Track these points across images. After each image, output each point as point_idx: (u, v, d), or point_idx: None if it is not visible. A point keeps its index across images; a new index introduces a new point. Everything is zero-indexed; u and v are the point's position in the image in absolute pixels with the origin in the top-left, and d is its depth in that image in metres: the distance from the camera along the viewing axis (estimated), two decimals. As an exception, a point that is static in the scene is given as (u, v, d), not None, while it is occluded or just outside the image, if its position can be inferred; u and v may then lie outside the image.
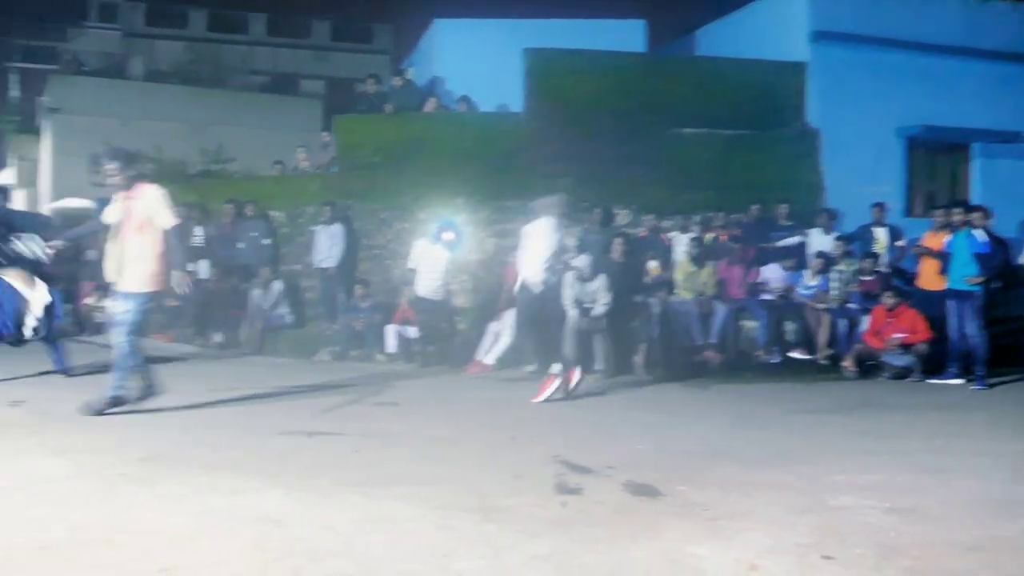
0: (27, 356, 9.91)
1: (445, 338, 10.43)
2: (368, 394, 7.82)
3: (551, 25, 14.40)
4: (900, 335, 9.13)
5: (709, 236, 10.66)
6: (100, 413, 6.05)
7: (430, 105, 13.28)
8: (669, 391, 8.49)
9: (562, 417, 6.91)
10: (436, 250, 10.56)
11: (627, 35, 14.31)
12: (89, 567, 3.21)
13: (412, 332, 10.41)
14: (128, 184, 6.18)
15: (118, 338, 6.07)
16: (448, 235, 10.52)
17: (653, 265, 10.19)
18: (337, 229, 11.41)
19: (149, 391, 6.29)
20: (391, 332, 10.50)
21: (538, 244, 7.58)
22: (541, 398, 7.38)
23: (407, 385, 8.44)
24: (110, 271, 6.17)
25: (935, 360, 9.10)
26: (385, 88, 14.19)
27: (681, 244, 10.59)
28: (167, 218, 6.06)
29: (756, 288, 10.20)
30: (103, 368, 7.87)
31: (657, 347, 9.62)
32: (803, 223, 10.99)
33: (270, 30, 36.14)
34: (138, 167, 6.54)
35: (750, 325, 9.99)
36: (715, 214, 10.97)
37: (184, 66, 29.05)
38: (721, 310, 9.76)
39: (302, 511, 3.98)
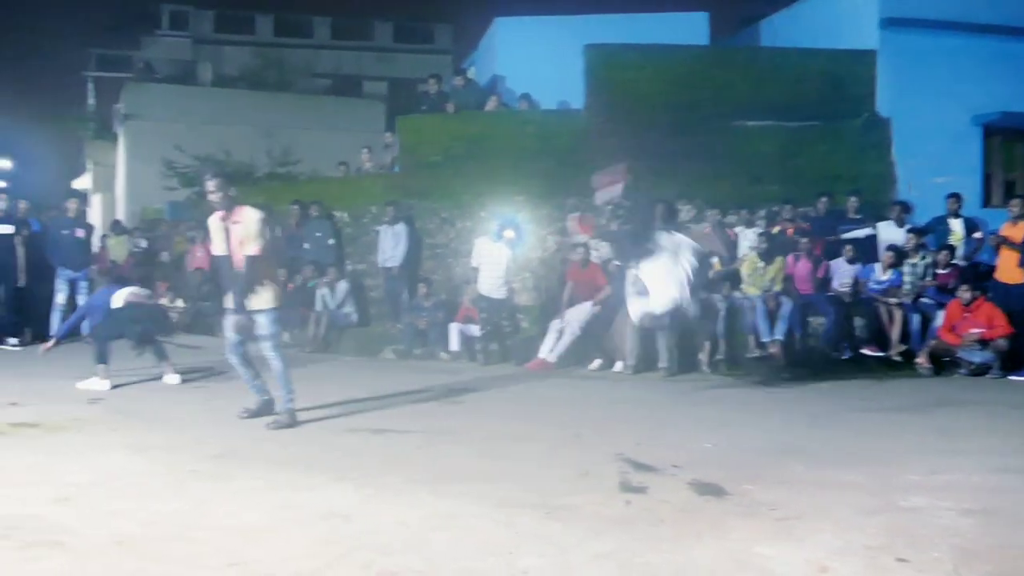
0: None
1: (507, 336, 10.45)
2: (431, 392, 7.89)
3: (611, 20, 14.31)
4: (977, 330, 8.82)
5: (776, 230, 10.45)
6: (290, 426, 6.03)
7: (491, 104, 13.32)
8: (734, 389, 8.36)
9: (626, 415, 6.87)
10: (498, 248, 10.59)
11: (689, 28, 14.13)
12: (162, 560, 3.31)
13: (475, 330, 10.47)
14: (227, 205, 6.12)
15: (269, 354, 6.13)
16: (509, 233, 10.53)
17: (716, 261, 10.04)
18: (400, 228, 11.54)
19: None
20: (454, 330, 10.57)
21: (667, 266, 7.62)
22: None
23: (470, 383, 8.49)
24: (228, 297, 6.16)
25: (1014, 356, 8.76)
26: (446, 88, 14.29)
27: (747, 239, 10.41)
28: (254, 246, 6.03)
29: (824, 283, 9.95)
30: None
31: (722, 344, 9.50)
32: (873, 215, 10.69)
33: (334, 33, 36.71)
34: (234, 188, 6.43)
35: (818, 321, 9.76)
36: (782, 208, 10.75)
37: (251, 71, 29.71)
38: (788, 306, 9.57)
39: (370, 507, 4.04)
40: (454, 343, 10.49)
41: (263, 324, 6.10)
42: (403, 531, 3.69)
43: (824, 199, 10.70)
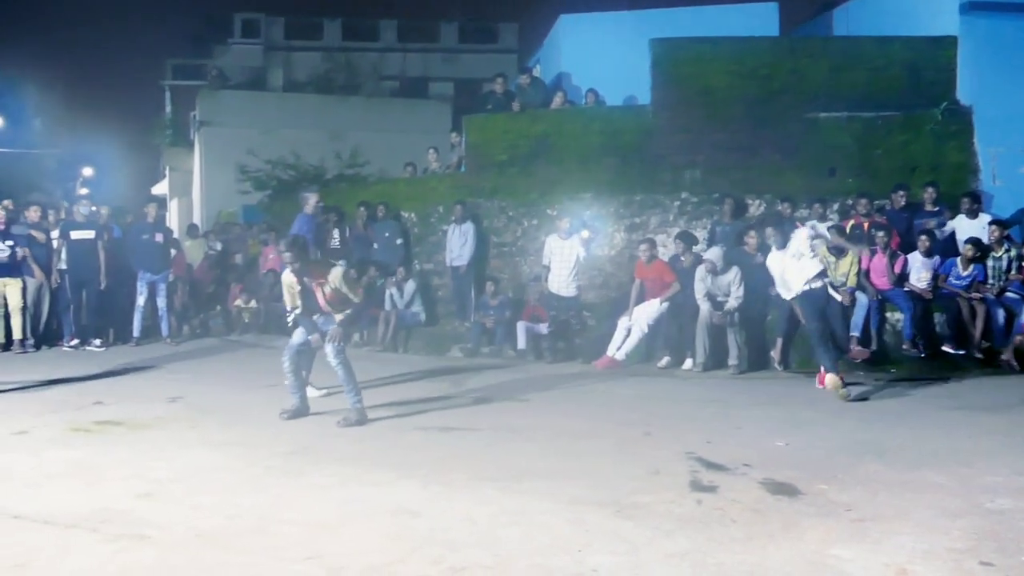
0: (180, 355, 10.63)
1: (575, 334, 10.42)
2: (499, 390, 7.92)
3: (677, 14, 14.13)
4: (1067, 326, 8.44)
5: (851, 224, 10.18)
6: (359, 423, 6.26)
7: (557, 101, 13.29)
8: (807, 387, 8.16)
9: (696, 413, 6.78)
10: (568, 246, 10.55)
11: (758, 19, 13.84)
12: (243, 552, 3.41)
13: (542, 328, 10.47)
14: (308, 271, 6.50)
15: (332, 361, 6.41)
16: (585, 233, 10.47)
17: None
18: (468, 228, 11.60)
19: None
20: (521, 328, 10.58)
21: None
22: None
23: (537, 381, 8.50)
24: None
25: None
26: (512, 87, 14.32)
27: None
28: (357, 296, 6.56)
29: (902, 278, 9.65)
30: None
31: (794, 341, 9.30)
32: (952, 207, 10.32)
33: (400, 35, 37.13)
34: (307, 254, 6.80)
35: (895, 317, 9.47)
36: (856, 200, 10.46)
37: (320, 75, 30.25)
38: (864, 301, 9.31)
39: (438, 503, 4.08)
40: (521, 341, 10.51)
41: (333, 331, 6.45)
42: (471, 527, 3.72)
43: (901, 192, 10.37)
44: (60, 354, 10.45)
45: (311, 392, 7.83)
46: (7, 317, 10.65)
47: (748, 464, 4.85)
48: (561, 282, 10.28)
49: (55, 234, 11.06)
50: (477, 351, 10.72)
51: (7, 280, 10.57)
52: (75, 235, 10.96)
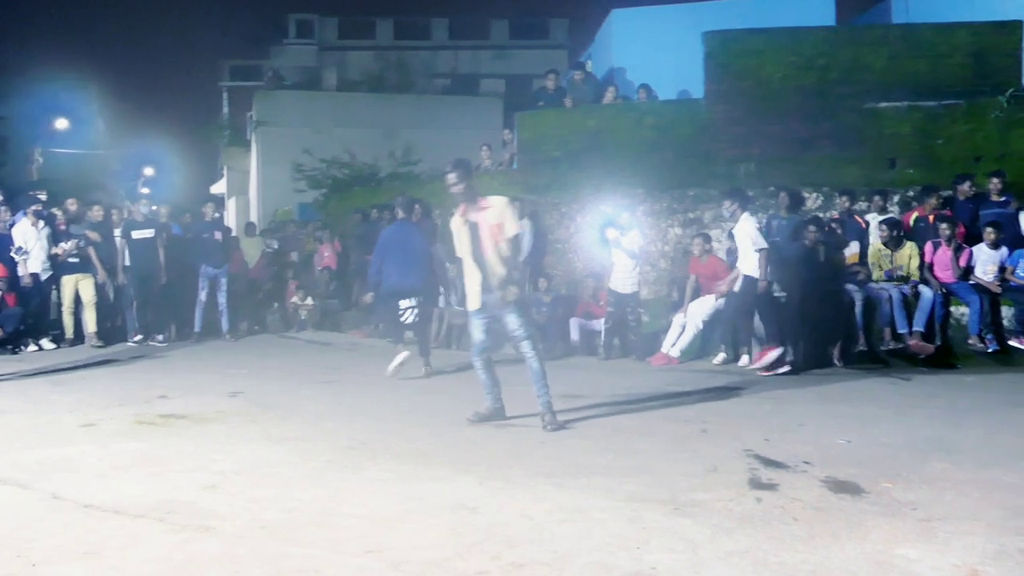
0: (239, 350, 10.84)
1: (630, 331, 10.34)
2: (552, 386, 7.87)
3: (730, 6, 13.96)
4: None
5: (914, 216, 9.93)
6: (490, 419, 6.01)
7: (609, 96, 13.23)
8: (869, 383, 8.00)
9: (753, 410, 6.69)
10: (623, 242, 10.38)
11: (813, 8, 13.62)
12: (305, 545, 3.46)
13: (595, 324, 10.42)
14: (470, 196, 5.83)
15: (526, 352, 5.86)
16: (612, 232, 10.05)
17: (852, 253, 9.62)
18: (525, 223, 11.60)
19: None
20: (574, 324, 10.56)
21: None
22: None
23: (591, 377, 8.47)
24: (473, 293, 5.90)
25: None
26: (564, 82, 14.28)
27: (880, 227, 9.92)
28: (512, 227, 5.80)
29: (967, 271, 9.38)
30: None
31: (855, 336, 9.11)
32: (1020, 197, 9.98)
33: (451, 33, 37.31)
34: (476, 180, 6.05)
35: (961, 311, 9.21)
36: (918, 191, 10.20)
37: (372, 74, 30.56)
38: (927, 295, 9.08)
39: (495, 499, 4.09)
40: (574, 337, 10.48)
41: (513, 322, 5.81)
42: (529, 524, 3.72)
43: (967, 182, 10.07)
44: (125, 349, 10.75)
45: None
46: (78, 313, 11.03)
47: (808, 462, 4.77)
48: (621, 279, 10.02)
49: (117, 233, 11.39)
50: (530, 347, 10.71)
51: (79, 276, 10.96)
52: (135, 234, 11.28)
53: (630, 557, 3.30)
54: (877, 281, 9.33)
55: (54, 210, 11.75)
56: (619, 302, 10.01)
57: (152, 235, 11.38)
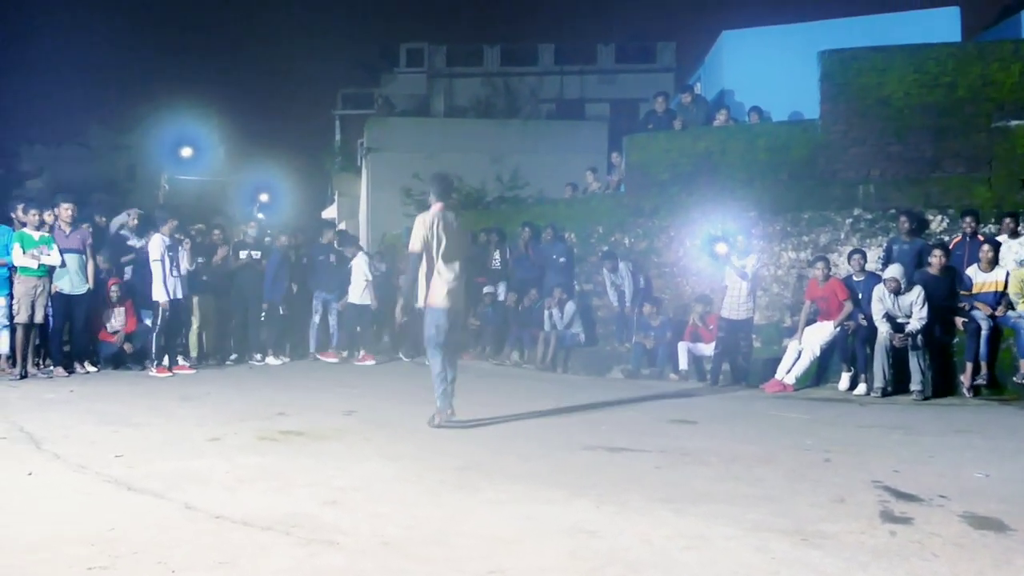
0: (352, 370, 11.09)
1: (740, 356, 10.09)
2: (664, 411, 7.77)
3: (846, 24, 13.57)
4: None
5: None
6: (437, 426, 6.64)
7: (721, 118, 13.04)
8: (1002, 414, 7.54)
9: (878, 440, 6.39)
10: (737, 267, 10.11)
11: (936, 25, 13.09)
12: (425, 562, 3.48)
13: (704, 349, 10.21)
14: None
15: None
16: (721, 247, 9.80)
17: (996, 280, 9.07)
18: (623, 269, 11.52)
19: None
20: (683, 349, 10.38)
21: None
22: None
23: (703, 403, 8.29)
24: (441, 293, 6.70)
25: None
26: (673, 105, 14.16)
27: (1012, 251, 9.39)
28: (411, 243, 6.70)
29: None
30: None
31: (985, 365, 8.62)
32: None
33: (558, 59, 37.53)
34: (440, 192, 6.83)
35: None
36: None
37: (480, 100, 31.05)
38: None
39: (614, 524, 4.03)
40: (683, 362, 10.31)
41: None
42: (650, 549, 3.64)
43: (1110, 202, 9.43)
44: (246, 368, 11.18)
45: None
46: (200, 331, 11.54)
47: (944, 495, 4.51)
48: (732, 305, 9.73)
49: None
50: (638, 372, 10.61)
51: (199, 296, 11.44)
52: (243, 255, 11.73)
53: (758, 588, 3.19)
54: (1012, 307, 8.80)
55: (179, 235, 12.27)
56: (731, 329, 9.72)
57: (259, 257, 11.83)
